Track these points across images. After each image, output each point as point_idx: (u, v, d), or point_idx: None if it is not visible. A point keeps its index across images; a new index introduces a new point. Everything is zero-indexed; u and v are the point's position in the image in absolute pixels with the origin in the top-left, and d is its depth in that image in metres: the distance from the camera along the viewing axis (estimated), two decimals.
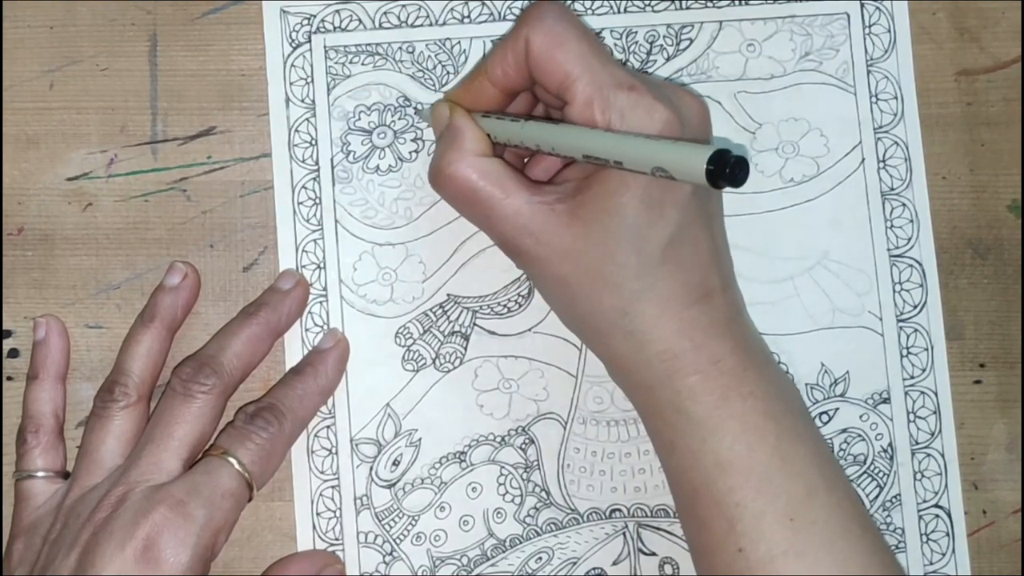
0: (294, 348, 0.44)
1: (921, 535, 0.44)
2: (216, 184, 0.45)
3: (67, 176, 0.45)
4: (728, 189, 0.34)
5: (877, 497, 0.44)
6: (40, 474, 0.41)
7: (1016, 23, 0.46)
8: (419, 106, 0.45)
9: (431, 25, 0.45)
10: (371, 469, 0.44)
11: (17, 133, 0.45)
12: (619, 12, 0.45)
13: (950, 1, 0.46)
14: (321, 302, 0.44)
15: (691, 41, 0.45)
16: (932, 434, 0.44)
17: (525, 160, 0.43)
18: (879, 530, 0.42)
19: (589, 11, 0.45)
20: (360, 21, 0.45)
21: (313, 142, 0.45)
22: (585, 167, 0.39)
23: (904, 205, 0.45)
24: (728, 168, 0.32)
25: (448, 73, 0.45)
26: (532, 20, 0.38)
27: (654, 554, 0.44)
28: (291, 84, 0.45)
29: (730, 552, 0.37)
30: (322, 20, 0.45)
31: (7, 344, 0.44)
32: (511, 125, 0.39)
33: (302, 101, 0.45)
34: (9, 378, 0.44)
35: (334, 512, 0.43)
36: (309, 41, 0.45)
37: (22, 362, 0.44)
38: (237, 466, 0.39)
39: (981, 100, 0.46)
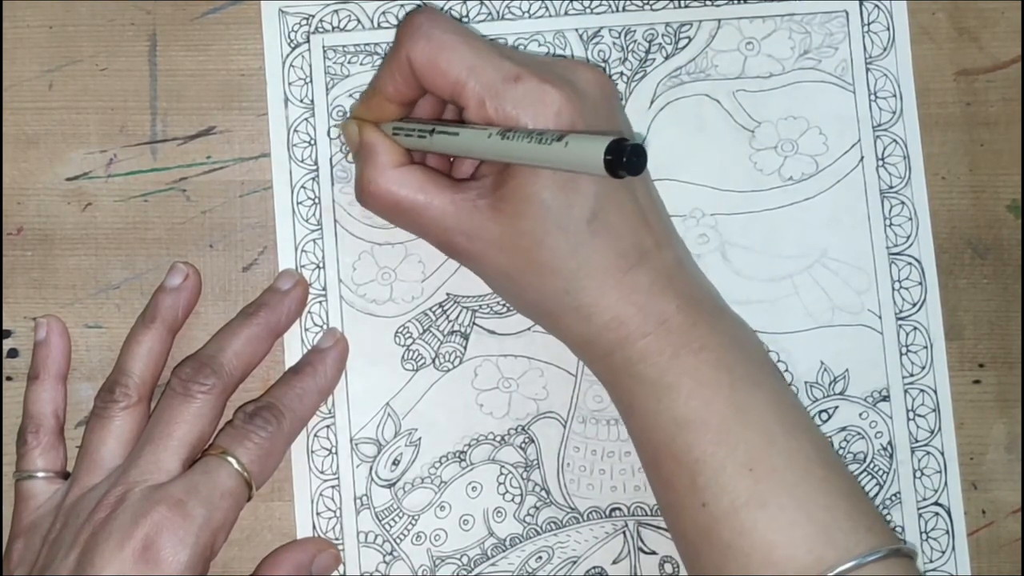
0: (293, 348, 0.44)
1: (921, 533, 0.44)
2: (216, 184, 0.45)
3: (66, 176, 0.45)
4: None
5: (877, 495, 0.44)
6: (40, 474, 0.41)
7: (1016, 23, 0.46)
8: (332, 130, 0.45)
9: None
10: (371, 469, 0.44)
11: (17, 133, 0.45)
12: (617, 11, 0.45)
13: (950, 1, 0.46)
14: (320, 302, 0.44)
15: (690, 39, 0.45)
16: (932, 432, 0.44)
17: (452, 159, 0.43)
18: (846, 468, 0.42)
19: (588, 10, 0.45)
20: (359, 21, 0.45)
21: (312, 142, 0.45)
22: None
23: (903, 203, 0.45)
24: (625, 157, 0.33)
25: None
26: (408, 36, 0.39)
27: (654, 553, 0.44)
28: (290, 84, 0.45)
29: (694, 507, 0.38)
30: (320, 20, 0.45)
31: (7, 344, 0.44)
32: (419, 140, 0.40)
33: (301, 101, 0.45)
34: (9, 378, 0.44)
35: (334, 512, 0.43)
36: (308, 41, 0.45)
37: (22, 362, 0.44)
38: (236, 465, 0.39)
39: (981, 100, 0.46)
